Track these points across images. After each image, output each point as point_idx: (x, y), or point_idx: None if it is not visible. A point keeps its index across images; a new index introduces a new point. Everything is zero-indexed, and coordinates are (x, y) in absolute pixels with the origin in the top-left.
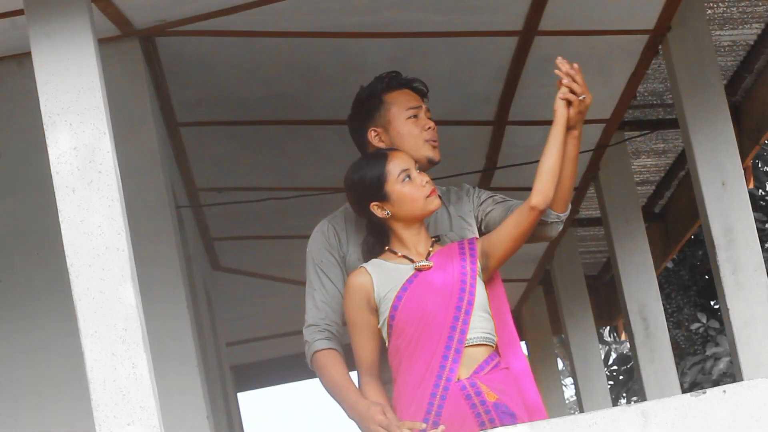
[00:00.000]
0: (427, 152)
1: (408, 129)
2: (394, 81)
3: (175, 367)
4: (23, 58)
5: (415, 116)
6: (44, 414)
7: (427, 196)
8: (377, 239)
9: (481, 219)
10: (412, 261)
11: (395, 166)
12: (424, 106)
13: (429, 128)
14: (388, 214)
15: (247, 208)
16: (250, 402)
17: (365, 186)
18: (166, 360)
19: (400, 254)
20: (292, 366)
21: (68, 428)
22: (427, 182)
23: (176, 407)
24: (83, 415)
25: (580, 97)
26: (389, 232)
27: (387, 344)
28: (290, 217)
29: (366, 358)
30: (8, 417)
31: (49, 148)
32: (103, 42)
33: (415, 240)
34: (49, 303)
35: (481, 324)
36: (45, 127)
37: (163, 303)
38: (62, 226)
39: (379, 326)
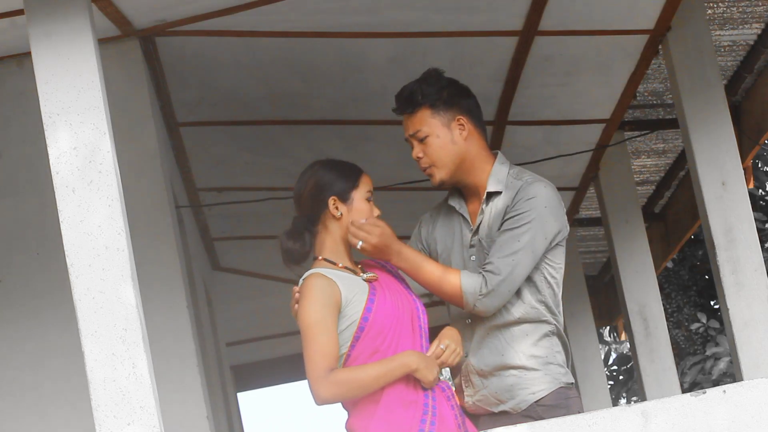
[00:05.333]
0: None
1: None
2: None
3: (175, 367)
4: (23, 58)
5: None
6: (44, 414)
7: None
8: (304, 233)
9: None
10: (354, 273)
11: (367, 185)
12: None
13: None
14: (339, 214)
15: (247, 208)
16: (250, 402)
17: (339, 180)
18: (166, 360)
19: (341, 265)
20: (292, 366)
21: (68, 428)
22: (376, 215)
23: (176, 407)
24: (83, 415)
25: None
26: (321, 236)
27: (348, 348)
28: (290, 217)
29: (332, 354)
30: (9, 417)
31: (49, 148)
32: (103, 42)
33: (348, 250)
34: (49, 303)
35: None
36: (45, 127)
37: (163, 303)
38: (62, 226)
39: (339, 330)
